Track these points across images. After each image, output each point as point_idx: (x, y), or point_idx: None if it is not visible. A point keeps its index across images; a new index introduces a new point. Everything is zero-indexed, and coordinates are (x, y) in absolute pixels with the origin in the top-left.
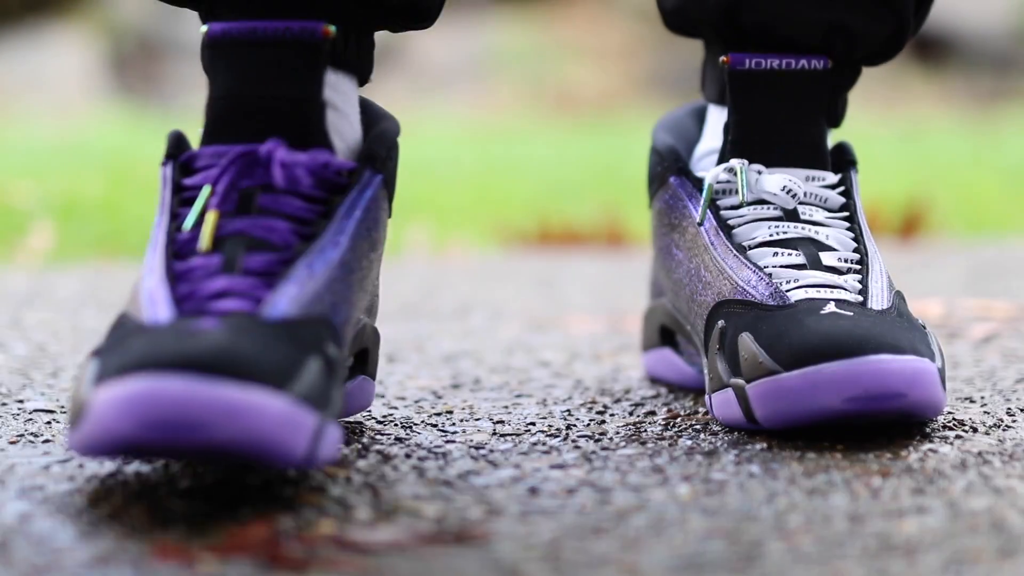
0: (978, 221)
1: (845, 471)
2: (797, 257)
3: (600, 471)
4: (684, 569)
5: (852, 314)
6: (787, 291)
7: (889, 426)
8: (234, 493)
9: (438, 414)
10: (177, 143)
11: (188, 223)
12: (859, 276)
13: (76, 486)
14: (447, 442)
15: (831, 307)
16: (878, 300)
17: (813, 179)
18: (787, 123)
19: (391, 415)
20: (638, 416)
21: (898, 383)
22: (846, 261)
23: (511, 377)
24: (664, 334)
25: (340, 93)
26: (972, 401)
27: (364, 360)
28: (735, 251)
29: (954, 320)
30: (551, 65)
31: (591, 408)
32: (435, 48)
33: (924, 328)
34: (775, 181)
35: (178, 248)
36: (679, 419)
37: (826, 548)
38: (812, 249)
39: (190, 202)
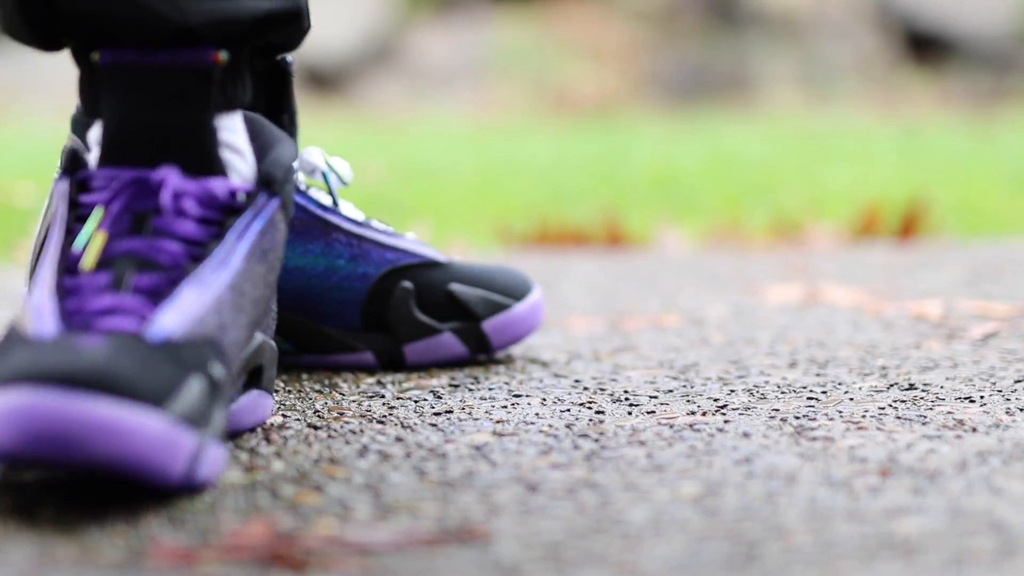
0: (977, 221)
1: (845, 470)
2: None
3: (600, 471)
4: (684, 569)
5: None
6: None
7: (890, 425)
8: (234, 493)
9: (438, 414)
10: (73, 159)
11: (80, 241)
12: None
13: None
14: (447, 442)
15: None
16: None
17: None
18: None
19: (391, 415)
20: (637, 416)
21: None
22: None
23: (510, 377)
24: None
25: (227, 129)
26: (972, 401)
27: (259, 376)
28: None
29: (953, 320)
30: (551, 65)
31: (590, 408)
32: (435, 48)
33: None
34: None
35: (70, 264)
36: (678, 419)
37: (825, 548)
38: None
39: (85, 219)
